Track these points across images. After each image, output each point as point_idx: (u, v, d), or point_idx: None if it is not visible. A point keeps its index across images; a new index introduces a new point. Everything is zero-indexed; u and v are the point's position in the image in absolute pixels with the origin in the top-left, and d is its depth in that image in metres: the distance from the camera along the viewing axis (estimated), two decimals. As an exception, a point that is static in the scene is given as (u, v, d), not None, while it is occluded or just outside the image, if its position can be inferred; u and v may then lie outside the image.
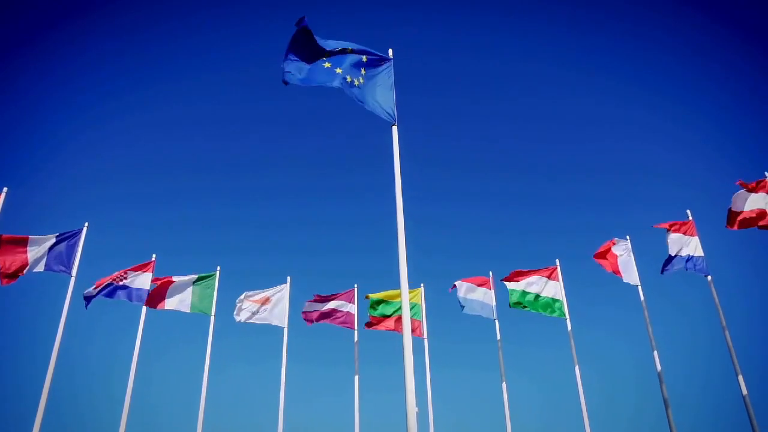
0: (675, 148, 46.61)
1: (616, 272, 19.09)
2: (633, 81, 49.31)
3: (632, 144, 50.66)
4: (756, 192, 16.11)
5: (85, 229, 18.21)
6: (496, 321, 20.38)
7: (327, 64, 10.89)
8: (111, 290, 18.20)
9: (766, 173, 16.39)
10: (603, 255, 19.40)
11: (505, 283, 19.91)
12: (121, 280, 18.42)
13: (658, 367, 17.34)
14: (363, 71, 11.23)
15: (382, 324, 20.70)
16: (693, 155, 45.31)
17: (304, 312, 21.05)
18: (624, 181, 48.88)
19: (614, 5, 51.66)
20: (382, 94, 11.22)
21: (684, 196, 40.99)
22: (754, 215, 15.93)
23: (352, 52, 11.22)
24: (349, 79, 10.90)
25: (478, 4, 56.99)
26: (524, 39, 55.22)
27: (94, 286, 18.13)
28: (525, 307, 19.48)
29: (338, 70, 10.90)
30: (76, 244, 17.99)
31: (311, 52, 10.72)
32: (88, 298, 17.89)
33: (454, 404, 28.94)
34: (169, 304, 19.42)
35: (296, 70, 10.54)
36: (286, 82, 10.37)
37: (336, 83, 10.78)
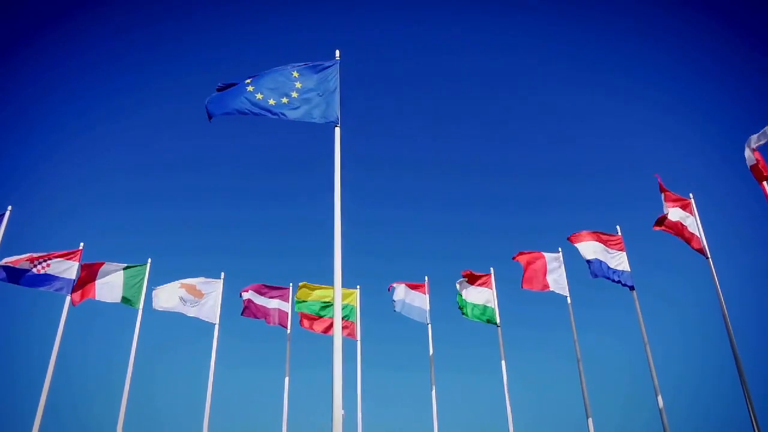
0: (629, 150, 47.50)
1: (533, 285, 19.44)
2: (588, 69, 49.91)
3: (580, 143, 51.56)
4: (674, 206, 16.63)
5: (8, 213, 17.34)
6: (429, 325, 20.70)
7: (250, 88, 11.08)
8: (29, 278, 16.98)
9: (691, 194, 17.09)
10: (530, 260, 19.71)
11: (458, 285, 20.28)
12: (42, 268, 17.40)
13: (582, 377, 17.80)
14: (297, 85, 11.29)
15: (315, 324, 20.57)
16: (626, 168, 46.66)
17: (245, 308, 20.66)
18: (563, 183, 49.97)
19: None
20: (322, 99, 11.25)
21: (619, 201, 42.25)
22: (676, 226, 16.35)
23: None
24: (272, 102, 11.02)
25: (426, 2, 57.00)
26: (469, 36, 55.48)
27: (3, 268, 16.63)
28: (465, 315, 19.91)
29: (259, 96, 11.01)
30: (-4, 228, 17.12)
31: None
32: None
33: (384, 406, 28.97)
34: (99, 293, 18.51)
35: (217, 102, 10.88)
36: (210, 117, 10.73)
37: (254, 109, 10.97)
